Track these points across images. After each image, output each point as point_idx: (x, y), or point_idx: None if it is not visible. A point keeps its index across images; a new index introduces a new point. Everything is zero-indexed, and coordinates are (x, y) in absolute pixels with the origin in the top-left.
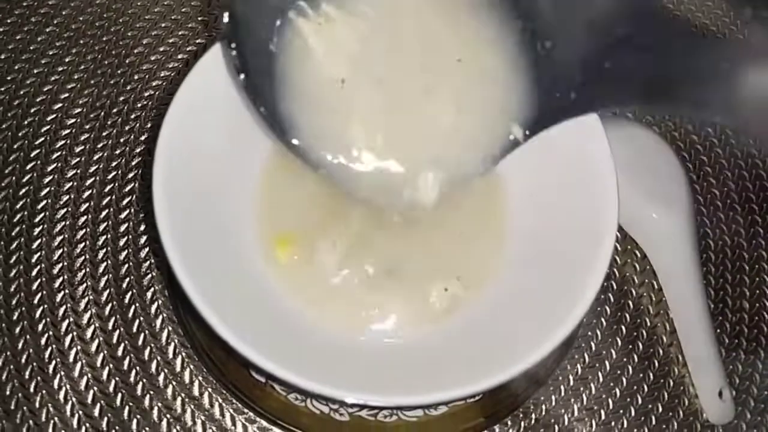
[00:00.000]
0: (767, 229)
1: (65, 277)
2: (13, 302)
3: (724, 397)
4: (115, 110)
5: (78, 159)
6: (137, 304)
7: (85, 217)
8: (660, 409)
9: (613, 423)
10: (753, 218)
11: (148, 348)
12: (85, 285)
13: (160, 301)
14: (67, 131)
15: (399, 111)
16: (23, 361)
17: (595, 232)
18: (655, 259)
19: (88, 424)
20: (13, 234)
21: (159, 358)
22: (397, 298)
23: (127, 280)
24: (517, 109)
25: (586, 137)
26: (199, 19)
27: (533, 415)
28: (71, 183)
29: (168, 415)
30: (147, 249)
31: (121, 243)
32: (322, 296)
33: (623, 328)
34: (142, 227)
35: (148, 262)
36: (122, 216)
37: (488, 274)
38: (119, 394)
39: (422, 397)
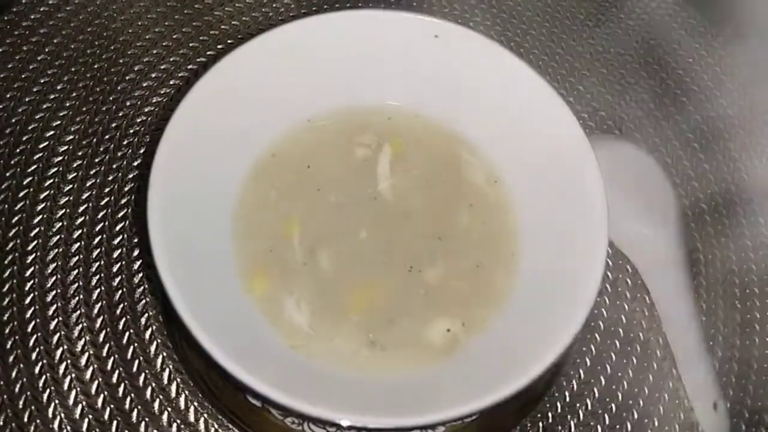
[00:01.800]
0: (755, 241)
1: (59, 304)
2: (6, 330)
3: (718, 409)
4: (107, 137)
5: (71, 186)
6: (131, 331)
7: (78, 243)
8: (656, 423)
9: None
10: (741, 231)
11: (143, 374)
12: (78, 312)
13: (154, 327)
14: (60, 158)
15: None
16: (17, 390)
17: (586, 255)
18: (646, 275)
19: None
20: (6, 262)
21: (154, 384)
22: (392, 340)
23: (121, 306)
24: None
25: (575, 156)
26: (191, 45)
27: None
28: (64, 210)
29: None
30: (141, 275)
31: (115, 269)
32: (304, 336)
33: (617, 342)
34: (136, 253)
35: (142, 288)
36: (115, 242)
37: (492, 313)
38: (114, 422)
39: (418, 418)
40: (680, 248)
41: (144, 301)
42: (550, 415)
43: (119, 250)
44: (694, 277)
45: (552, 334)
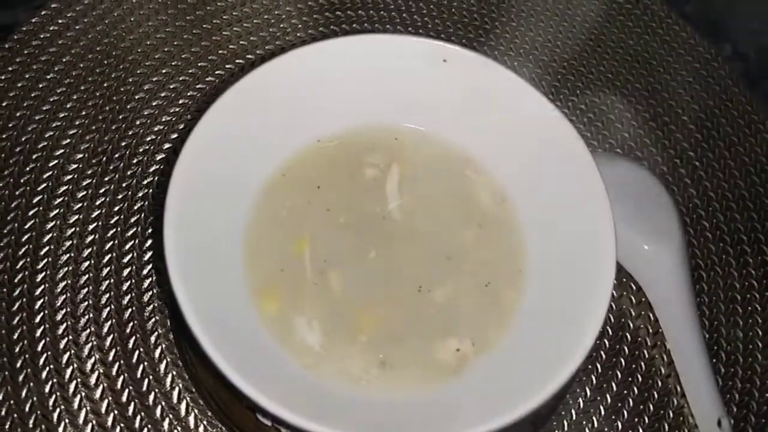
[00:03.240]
0: (756, 259)
1: (69, 323)
2: (17, 349)
3: (722, 426)
4: (117, 155)
5: (80, 204)
6: (141, 349)
7: (88, 262)
8: None
9: None
10: (742, 248)
11: (153, 393)
12: (88, 331)
13: (164, 345)
14: (70, 177)
15: None
16: (27, 408)
17: (594, 273)
18: (649, 291)
19: None
20: (16, 280)
21: (163, 403)
22: (401, 360)
23: (131, 324)
24: None
25: (581, 175)
26: (200, 65)
27: None
28: (74, 228)
29: None
30: (150, 293)
31: (125, 287)
32: (315, 355)
33: (622, 360)
34: (145, 271)
35: (152, 306)
36: (125, 260)
37: (501, 332)
38: None
39: None
40: (683, 265)
41: (154, 319)
42: None
43: (128, 269)
44: (697, 294)
45: (562, 353)
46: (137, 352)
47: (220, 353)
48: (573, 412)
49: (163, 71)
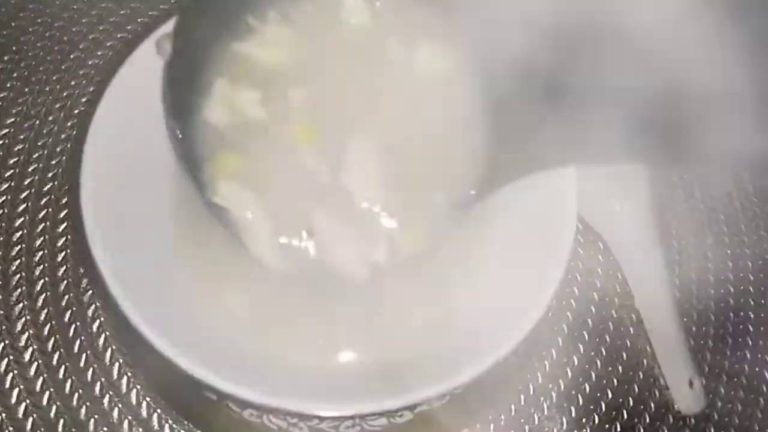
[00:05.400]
0: (727, 215)
1: (0, 296)
2: None
3: (694, 387)
4: (51, 117)
5: (12, 171)
6: (78, 323)
7: (20, 232)
8: (631, 403)
9: (584, 420)
10: (713, 205)
11: (91, 369)
12: (21, 304)
13: (102, 319)
14: (0, 142)
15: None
16: None
17: (556, 226)
18: (618, 249)
19: None
20: None
21: (103, 379)
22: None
23: (66, 297)
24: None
25: None
26: (139, 20)
27: (503, 416)
28: (5, 197)
29: None
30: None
31: (59, 258)
32: (257, 328)
33: (590, 321)
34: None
35: (87, 279)
36: (59, 230)
37: (465, 292)
38: (61, 420)
39: (384, 403)
40: (652, 222)
41: (91, 291)
42: (522, 397)
43: (64, 238)
44: (667, 254)
45: (527, 302)
46: (74, 326)
47: (152, 328)
48: (540, 375)
49: (101, 28)
